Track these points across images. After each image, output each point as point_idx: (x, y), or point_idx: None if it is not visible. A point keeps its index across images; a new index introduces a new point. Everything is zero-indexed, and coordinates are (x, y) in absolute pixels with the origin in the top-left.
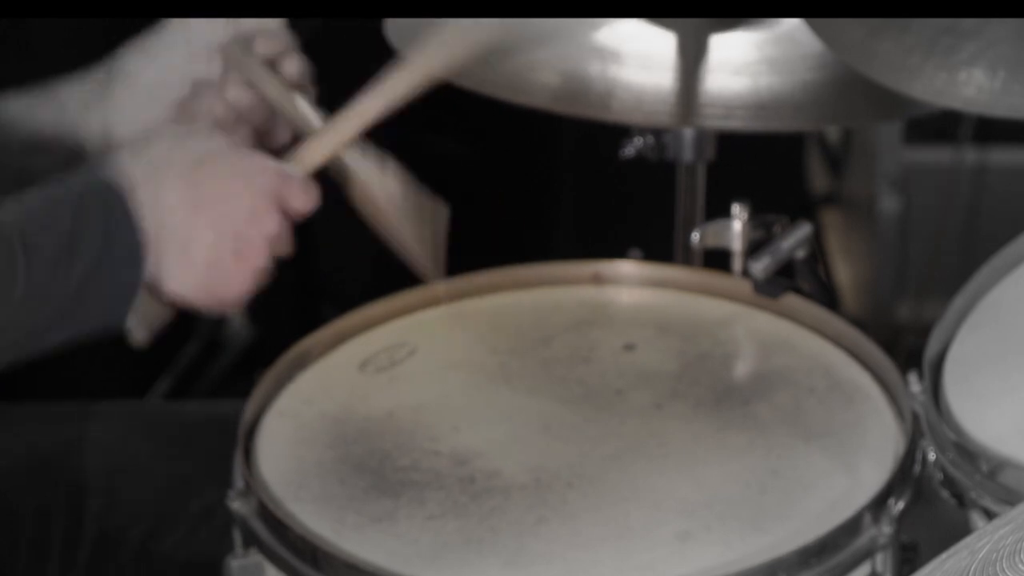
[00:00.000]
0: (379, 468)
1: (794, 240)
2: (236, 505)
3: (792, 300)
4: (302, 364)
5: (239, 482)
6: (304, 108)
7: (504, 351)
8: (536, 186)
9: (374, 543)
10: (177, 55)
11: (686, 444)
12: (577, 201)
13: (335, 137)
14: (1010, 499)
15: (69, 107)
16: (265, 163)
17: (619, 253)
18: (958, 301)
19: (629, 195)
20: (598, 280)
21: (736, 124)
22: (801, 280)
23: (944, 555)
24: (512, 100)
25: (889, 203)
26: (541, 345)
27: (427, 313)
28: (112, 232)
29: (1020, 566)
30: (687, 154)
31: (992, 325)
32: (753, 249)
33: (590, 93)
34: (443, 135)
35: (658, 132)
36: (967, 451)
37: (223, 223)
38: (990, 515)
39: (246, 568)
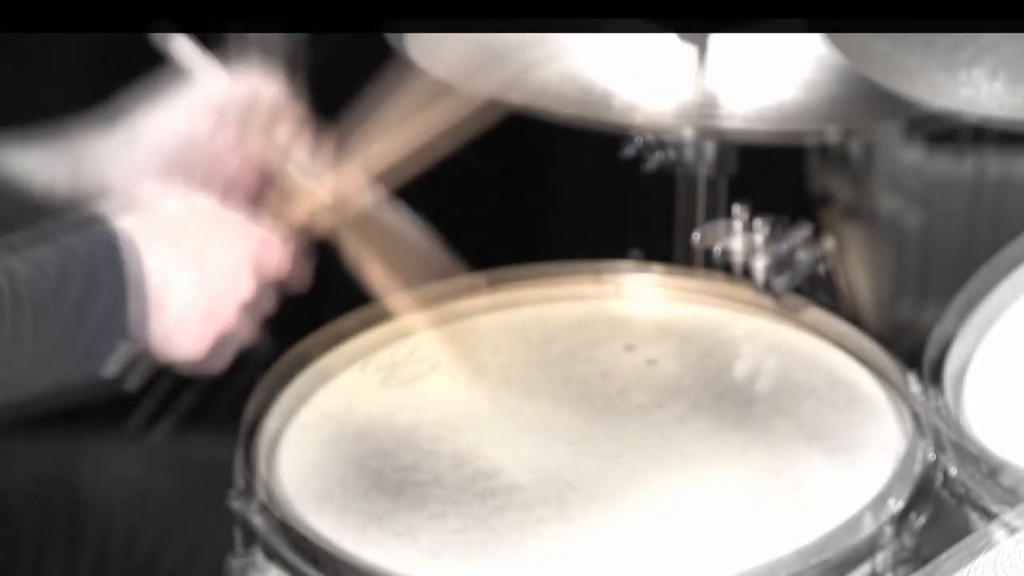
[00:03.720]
0: (381, 469)
1: (816, 253)
2: (236, 504)
3: (813, 313)
4: (302, 365)
5: (240, 482)
6: (295, 171)
7: (521, 361)
8: (536, 187)
9: (375, 542)
10: (180, 112)
11: (703, 454)
12: (577, 202)
13: (322, 196)
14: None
15: (66, 154)
16: (247, 228)
17: (619, 254)
18: (959, 301)
19: (631, 196)
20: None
21: (757, 133)
22: (821, 293)
23: (944, 555)
24: (529, 107)
25: (911, 216)
26: (560, 357)
27: (443, 325)
28: (113, 291)
29: (1021, 567)
30: (707, 166)
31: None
32: (755, 252)
33: (608, 103)
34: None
35: (679, 145)
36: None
37: (198, 285)
38: (990, 515)
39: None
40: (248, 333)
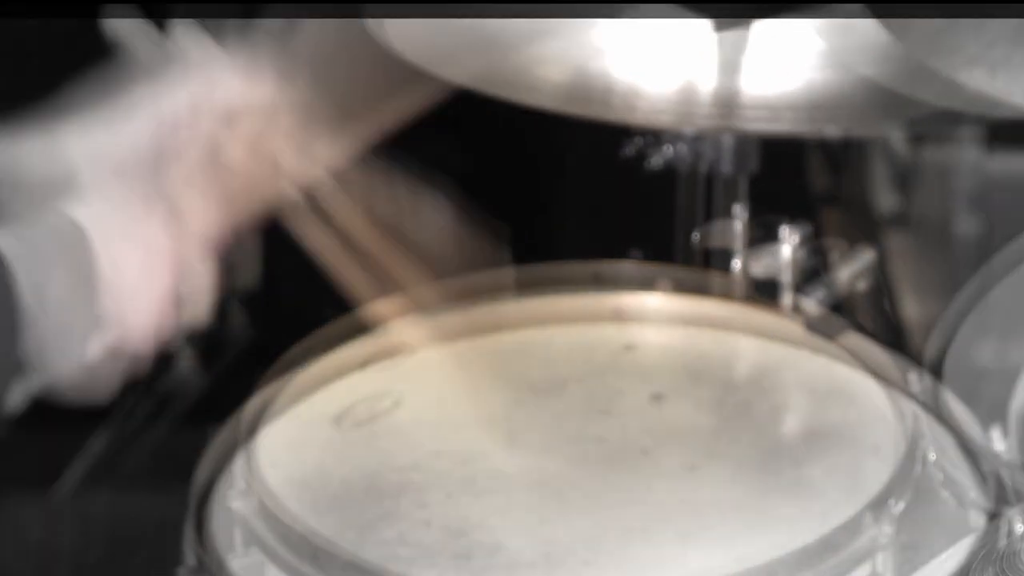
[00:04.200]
0: (360, 543)
1: (854, 268)
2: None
3: (852, 341)
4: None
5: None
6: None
7: (508, 400)
8: (534, 186)
9: None
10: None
11: (724, 513)
12: (574, 201)
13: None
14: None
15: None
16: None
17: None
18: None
19: (631, 196)
20: (618, 316)
21: (784, 127)
22: (862, 317)
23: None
24: (521, 101)
25: (967, 223)
26: (552, 394)
27: (415, 354)
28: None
29: (1020, 567)
30: (726, 165)
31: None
32: (781, 267)
33: (609, 93)
34: (438, 133)
35: (695, 139)
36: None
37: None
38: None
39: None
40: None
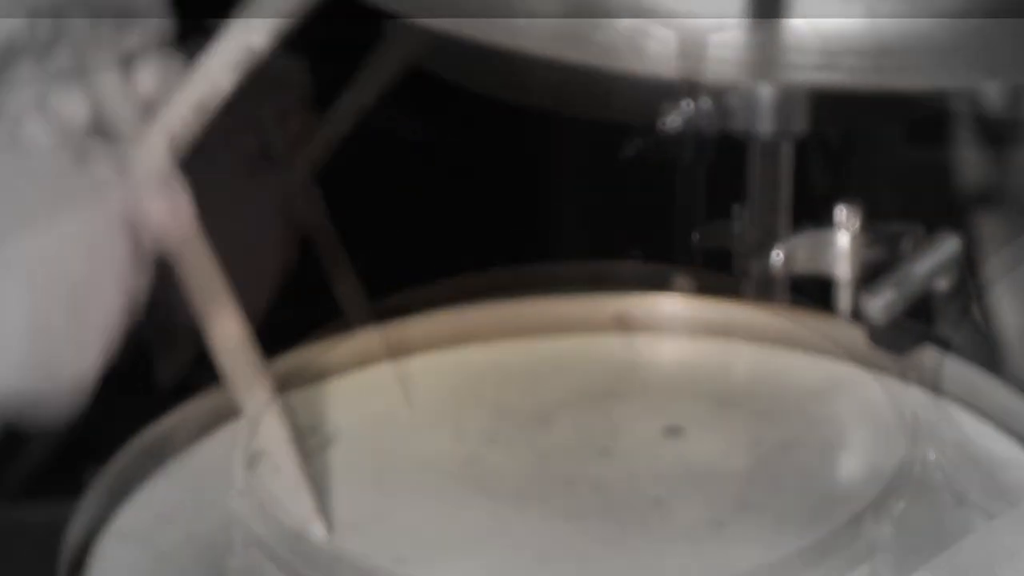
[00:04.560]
0: None
1: (932, 262)
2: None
3: (929, 356)
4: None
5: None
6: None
7: (476, 435)
8: (526, 178)
9: None
10: None
11: None
12: (577, 196)
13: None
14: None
15: None
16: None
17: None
18: None
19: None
20: (621, 324)
21: (841, 79)
22: (944, 325)
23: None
24: (502, 43)
25: None
26: (536, 427)
27: (353, 375)
28: None
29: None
30: (765, 124)
31: None
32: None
33: (611, 33)
34: (408, 116)
35: (717, 93)
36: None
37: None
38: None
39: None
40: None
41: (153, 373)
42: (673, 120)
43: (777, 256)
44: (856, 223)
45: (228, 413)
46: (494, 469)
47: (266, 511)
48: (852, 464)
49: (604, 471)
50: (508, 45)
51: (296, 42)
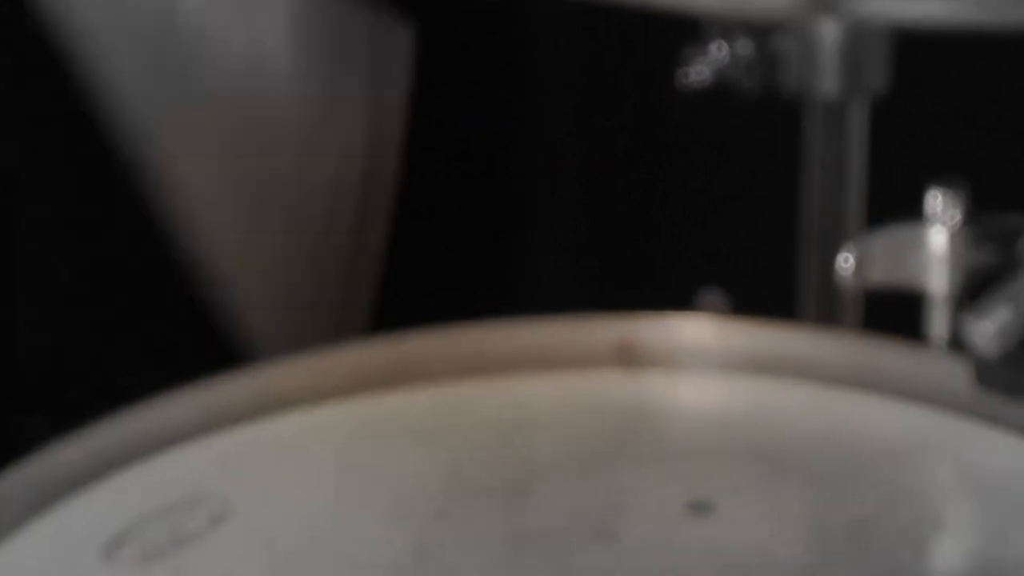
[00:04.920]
0: None
1: None
2: None
3: None
4: None
5: None
6: None
7: (424, 513)
8: (522, 186)
9: None
10: None
11: None
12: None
13: None
14: None
15: None
16: None
17: (673, 299)
18: None
19: (679, 194)
20: (626, 356)
21: (938, 13)
22: None
23: None
24: None
25: None
26: (510, 500)
27: (258, 423)
28: None
29: None
30: (829, 78)
31: None
32: (929, 262)
33: None
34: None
35: (760, 34)
36: None
37: None
38: None
39: None
40: None
41: None
42: (698, 71)
43: (846, 261)
44: (957, 215)
45: (70, 483)
46: (448, 562)
47: None
48: (949, 556)
49: (604, 562)
50: None
51: None
